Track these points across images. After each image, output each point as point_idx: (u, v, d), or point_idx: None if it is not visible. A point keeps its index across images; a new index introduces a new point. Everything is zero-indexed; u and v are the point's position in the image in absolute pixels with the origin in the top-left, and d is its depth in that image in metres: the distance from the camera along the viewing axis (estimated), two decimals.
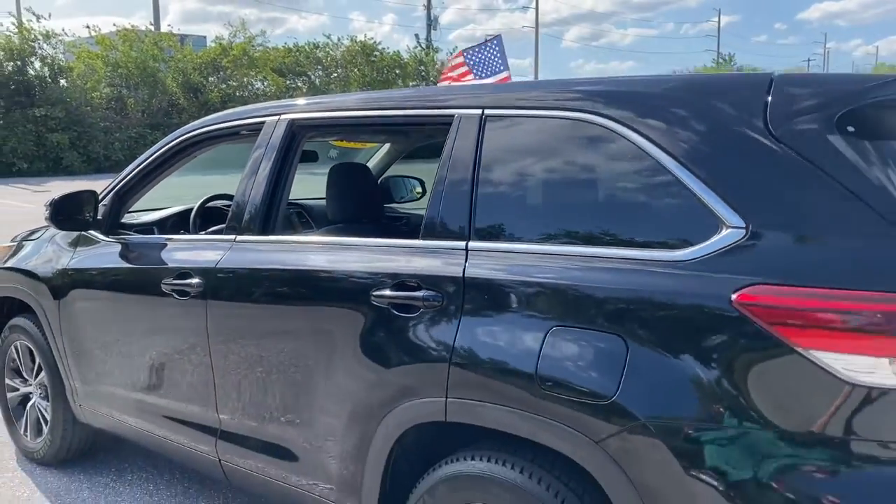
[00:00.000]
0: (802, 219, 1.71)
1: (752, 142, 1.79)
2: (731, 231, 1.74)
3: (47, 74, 30.82)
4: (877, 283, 1.58)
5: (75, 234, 3.46)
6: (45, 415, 3.75)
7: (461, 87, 2.85)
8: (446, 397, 2.07)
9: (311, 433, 2.50)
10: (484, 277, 2.07)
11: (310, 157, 3.79)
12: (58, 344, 3.50)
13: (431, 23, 49.51)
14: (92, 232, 3.40)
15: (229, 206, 3.02)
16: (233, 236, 2.80)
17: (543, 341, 1.91)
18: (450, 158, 2.27)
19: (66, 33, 31.90)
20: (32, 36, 30.44)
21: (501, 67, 7.13)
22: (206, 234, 3.35)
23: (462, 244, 2.16)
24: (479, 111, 2.25)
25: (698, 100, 1.91)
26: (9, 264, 3.83)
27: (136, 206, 3.66)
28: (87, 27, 33.55)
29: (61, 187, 16.09)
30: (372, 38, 42.27)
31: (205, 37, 43.97)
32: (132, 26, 33.99)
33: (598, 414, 1.79)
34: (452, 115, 2.32)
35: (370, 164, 4.25)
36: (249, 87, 36.23)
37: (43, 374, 3.70)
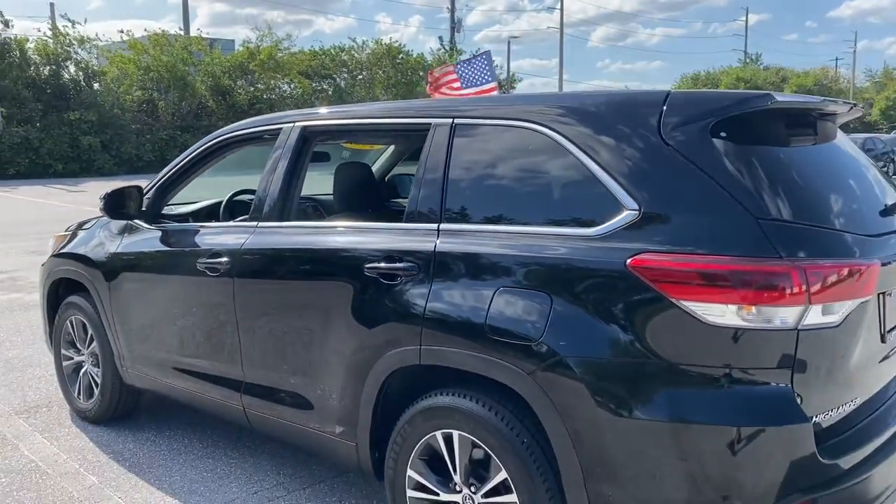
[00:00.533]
0: (680, 204, 2.25)
1: (647, 144, 2.33)
2: (628, 213, 2.29)
3: (81, 79, 31.80)
4: (727, 251, 2.12)
5: (123, 223, 4.08)
6: (96, 379, 4.36)
7: (437, 100, 3.40)
8: (420, 346, 2.64)
9: (320, 383, 3.06)
10: (450, 252, 2.63)
11: (323, 158, 4.36)
12: (108, 317, 4.11)
13: (455, 25, 50.02)
14: (137, 221, 4.02)
15: (252, 199, 3.61)
16: (255, 223, 3.40)
17: (492, 299, 2.47)
18: (427, 158, 2.84)
19: (99, 38, 32.84)
20: (67, 41, 31.43)
21: (489, 79, 7.71)
22: (234, 222, 3.93)
23: (435, 226, 2.73)
24: (451, 120, 2.83)
25: (612, 112, 2.47)
26: (66, 250, 4.47)
27: (173, 200, 4.28)
28: (121, 31, 34.60)
29: (96, 188, 17.07)
30: (397, 41, 42.88)
31: (233, 40, 44.99)
32: (162, 31, 34.85)
33: (529, 353, 2.35)
34: (429, 124, 2.89)
35: (378, 164, 4.83)
36: (276, 89, 37.02)
37: (94, 344, 4.32)
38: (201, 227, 3.78)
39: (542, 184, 2.57)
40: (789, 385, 2.13)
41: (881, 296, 2.42)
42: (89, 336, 4.36)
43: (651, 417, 2.18)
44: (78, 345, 4.49)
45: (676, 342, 2.17)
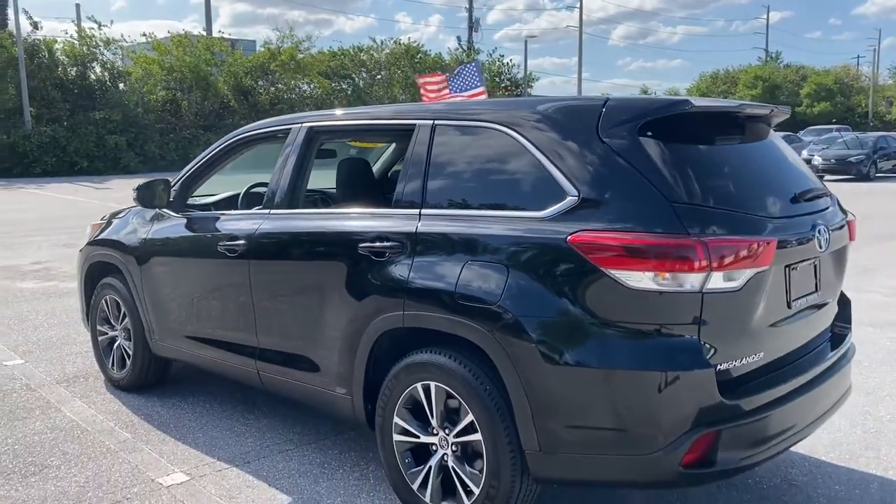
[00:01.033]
0: (610, 191, 2.72)
1: (587, 143, 2.82)
2: (570, 199, 2.77)
3: (107, 79, 32.64)
4: (645, 229, 2.60)
5: (153, 211, 4.61)
6: (128, 351, 4.90)
7: (422, 104, 3.88)
8: (403, 311, 3.13)
9: (324, 347, 3.56)
10: (429, 232, 3.13)
11: (329, 155, 4.86)
12: (139, 295, 4.65)
13: (472, 25, 50.49)
14: (165, 210, 4.55)
15: (266, 190, 4.12)
16: (268, 210, 3.91)
17: (461, 271, 2.96)
18: (412, 153, 3.35)
19: (124, 39, 33.64)
20: (94, 42, 32.27)
21: (477, 84, 8.23)
22: (249, 210, 4.44)
23: (417, 211, 3.22)
24: (432, 122, 3.32)
25: (562, 116, 2.95)
26: (102, 237, 5.02)
27: (198, 192, 4.81)
28: (144, 35, 35.40)
29: (121, 185, 17.78)
30: (415, 41, 43.46)
31: (254, 41, 45.81)
32: (186, 32, 35.60)
33: (490, 315, 2.83)
34: (414, 124, 3.39)
35: (381, 160, 5.33)
36: (297, 89, 37.70)
37: (126, 320, 4.86)
38: (222, 214, 4.30)
39: (503, 174, 3.06)
40: (696, 337, 2.61)
41: (787, 268, 2.89)
42: (122, 313, 4.90)
43: (586, 365, 2.66)
44: (112, 321, 5.03)
45: (605, 303, 2.65)
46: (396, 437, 3.26)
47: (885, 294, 7.83)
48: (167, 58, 34.00)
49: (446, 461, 3.10)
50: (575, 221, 2.73)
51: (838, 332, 3.52)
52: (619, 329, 2.64)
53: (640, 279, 2.59)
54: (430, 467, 3.14)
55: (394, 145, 5.31)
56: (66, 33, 33.18)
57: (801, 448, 3.99)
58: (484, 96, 7.72)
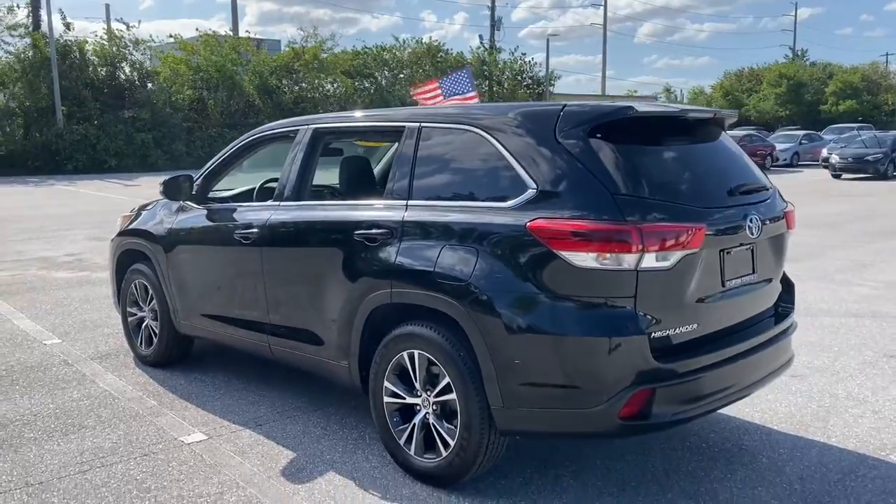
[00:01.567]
0: (563, 184, 3.18)
1: (545, 143, 3.27)
2: (530, 191, 3.23)
3: (136, 79, 33.46)
4: (590, 217, 3.05)
5: (177, 203, 5.13)
6: (155, 331, 5.43)
7: (410, 109, 4.33)
8: (391, 289, 3.61)
9: (325, 322, 4.05)
10: (413, 220, 3.60)
11: (336, 153, 5.34)
12: (165, 279, 5.17)
13: (495, 23, 50.85)
14: (189, 202, 5.07)
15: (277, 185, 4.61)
16: (278, 203, 4.41)
17: (439, 253, 3.43)
18: (401, 151, 3.82)
19: (152, 39, 34.45)
20: (123, 43, 33.11)
21: (469, 89, 8.71)
22: (262, 202, 4.94)
23: (404, 202, 3.70)
24: (418, 124, 3.80)
25: (526, 120, 3.41)
26: (131, 227, 5.56)
27: (218, 187, 5.32)
28: (171, 36, 36.19)
29: (149, 182, 18.43)
30: (437, 40, 43.90)
31: (279, 41, 46.48)
32: (213, 31, 36.33)
33: (461, 291, 3.30)
34: (404, 126, 3.87)
35: (385, 159, 5.80)
36: (320, 88, 38.32)
37: (153, 302, 5.39)
38: (238, 206, 4.81)
39: (476, 170, 3.53)
40: (633, 308, 3.06)
41: (722, 252, 3.34)
42: (149, 296, 5.43)
43: (539, 332, 3.12)
44: (140, 303, 5.57)
45: (556, 280, 3.11)
46: (386, 399, 3.73)
47: (873, 287, 8.18)
48: (194, 58, 34.75)
49: (428, 419, 3.57)
50: (533, 211, 3.19)
51: (781, 310, 3.95)
52: (568, 301, 3.10)
53: (585, 259, 3.04)
54: (415, 424, 3.62)
55: (396, 145, 5.79)
56: (96, 34, 34.12)
57: (756, 419, 4.44)
58: (475, 100, 8.18)
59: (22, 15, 32.26)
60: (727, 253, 3.37)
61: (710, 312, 3.35)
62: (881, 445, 4.07)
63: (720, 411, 4.45)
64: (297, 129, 4.48)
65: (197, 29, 37.87)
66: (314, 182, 4.58)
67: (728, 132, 3.87)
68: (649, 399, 3.08)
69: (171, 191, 4.99)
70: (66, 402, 4.77)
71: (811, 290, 7.97)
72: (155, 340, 5.43)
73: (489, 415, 3.30)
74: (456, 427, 3.42)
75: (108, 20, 36.07)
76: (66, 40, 31.72)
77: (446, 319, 3.41)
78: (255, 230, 4.42)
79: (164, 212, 5.27)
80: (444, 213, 3.51)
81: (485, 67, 46.25)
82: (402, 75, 42.94)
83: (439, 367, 3.46)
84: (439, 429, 3.52)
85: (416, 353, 3.56)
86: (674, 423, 3.24)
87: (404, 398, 3.66)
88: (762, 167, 29.90)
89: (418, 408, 3.62)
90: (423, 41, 43.38)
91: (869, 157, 25.40)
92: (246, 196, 5.34)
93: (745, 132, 34.25)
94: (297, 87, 37.08)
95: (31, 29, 32.08)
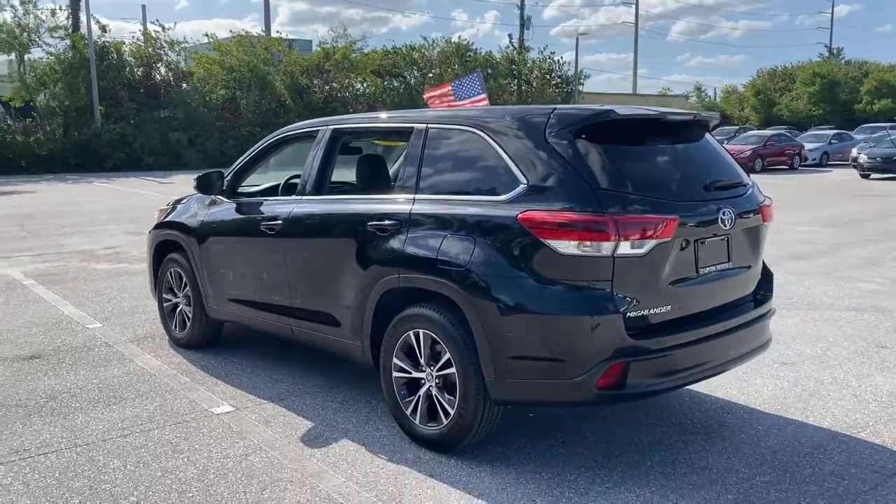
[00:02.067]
0: (550, 180, 3.54)
1: (536, 143, 3.64)
2: (521, 186, 3.61)
3: (171, 79, 34.30)
4: (573, 209, 3.42)
5: (210, 197, 5.58)
6: (188, 315, 5.89)
7: (419, 111, 4.70)
8: (399, 275, 4.01)
9: (341, 304, 4.46)
10: (420, 212, 3.99)
11: (355, 151, 5.74)
12: (198, 267, 5.62)
13: (524, 22, 51.10)
14: (220, 197, 5.52)
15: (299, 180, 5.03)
16: (300, 197, 4.83)
17: (441, 242, 3.81)
18: (409, 150, 4.22)
19: (187, 40, 35.29)
20: (159, 44, 33.96)
21: (479, 92, 9.09)
22: (286, 197, 5.36)
23: (412, 196, 4.09)
24: (425, 125, 4.19)
25: (519, 121, 3.78)
26: (167, 220, 6.03)
27: (248, 182, 5.76)
28: (205, 35, 36.99)
29: (183, 180, 19.05)
30: (465, 40, 44.24)
31: (310, 41, 47.17)
32: (245, 32, 37.05)
33: (460, 275, 3.68)
34: (413, 127, 4.27)
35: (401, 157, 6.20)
36: (350, 88, 38.89)
37: (188, 289, 5.85)
38: (265, 200, 5.25)
39: (476, 167, 3.91)
40: (610, 290, 3.42)
41: (697, 241, 3.69)
42: (183, 283, 5.89)
43: (527, 311, 3.50)
44: (175, 290, 6.03)
45: (543, 265, 3.48)
46: (395, 374, 4.13)
47: (880, 284, 8.40)
48: (227, 58, 35.49)
49: (431, 391, 3.96)
50: (524, 204, 3.56)
51: (760, 297, 4.27)
52: (553, 284, 3.47)
53: (568, 247, 3.41)
54: (419, 396, 4.01)
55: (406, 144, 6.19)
56: (133, 35, 35.02)
57: (741, 400, 4.77)
58: (485, 103, 8.56)
59: (62, 17, 33.26)
60: (701, 242, 3.72)
61: (684, 296, 3.69)
62: (854, 424, 4.37)
63: (707, 392, 4.82)
64: (318, 130, 4.90)
65: (231, 31, 38.67)
66: (335, 178, 5.00)
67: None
68: (624, 371, 3.44)
69: (204, 186, 5.44)
70: (107, 377, 5.24)
71: (818, 285, 8.23)
72: (188, 324, 5.88)
73: (484, 386, 3.68)
74: (455, 398, 3.80)
75: (144, 21, 37.03)
76: (103, 41, 32.63)
77: (447, 302, 3.79)
78: (279, 222, 4.84)
79: (198, 205, 5.73)
80: (447, 206, 3.90)
81: (513, 67, 46.51)
82: (431, 75, 43.36)
83: (441, 345, 3.84)
84: (441, 400, 3.90)
85: (420, 332, 3.95)
86: (648, 394, 3.60)
87: (410, 373, 4.05)
88: (790, 167, 30.12)
89: (423, 381, 4.00)
90: (452, 41, 43.71)
91: None
92: (272, 191, 5.76)
93: (773, 132, 34.18)
94: (327, 87, 37.67)
95: (70, 31, 33.03)
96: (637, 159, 3.72)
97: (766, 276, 4.38)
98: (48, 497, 3.54)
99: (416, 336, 3.98)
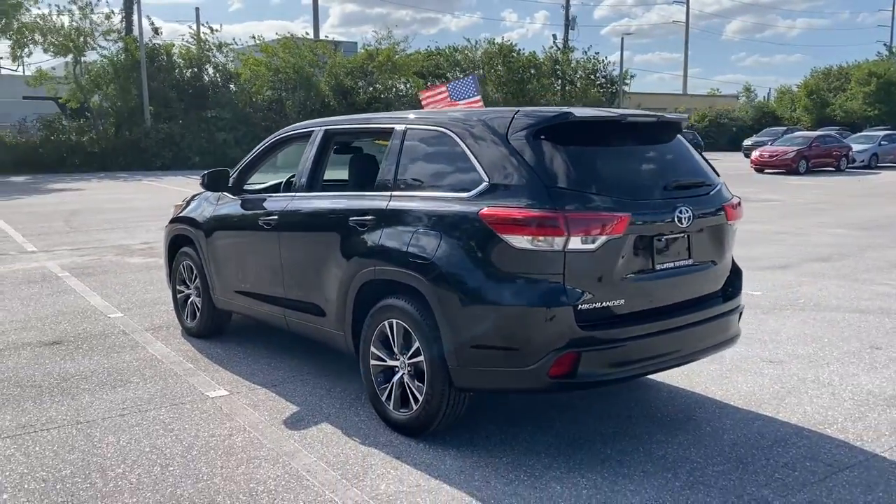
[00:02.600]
0: (509, 178, 3.73)
1: (498, 144, 3.83)
2: (484, 184, 3.80)
3: (219, 80, 35.16)
4: (527, 206, 3.59)
5: (217, 194, 5.89)
6: (198, 306, 6.21)
7: (400, 112, 4.93)
8: (375, 267, 4.24)
9: (326, 295, 4.70)
10: (395, 208, 4.21)
11: (357, 151, 5.97)
12: (206, 260, 5.94)
13: (569, 23, 50.95)
14: (226, 193, 5.82)
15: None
16: (294, 194, 5.09)
17: (411, 237, 4.03)
18: (389, 149, 4.44)
19: (235, 42, 36.13)
20: (207, 46, 34.86)
21: (474, 94, 9.27)
22: (282, 193, 5.63)
23: (389, 193, 4.31)
24: (404, 126, 4.41)
25: (484, 123, 3.97)
26: (181, 215, 6.36)
27: (255, 180, 6.06)
28: (253, 37, 37.87)
29: None
30: (509, 41, 44.29)
31: (356, 42, 47.77)
32: (291, 35, 37.76)
33: (427, 268, 3.89)
34: (393, 128, 4.49)
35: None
36: (393, 89, 39.33)
37: (197, 280, 6.17)
38: (264, 196, 5.53)
39: (446, 166, 4.12)
40: (561, 283, 3.59)
41: (653, 238, 3.83)
42: (194, 275, 6.21)
43: (485, 303, 3.69)
44: (187, 282, 6.36)
45: (500, 259, 3.67)
46: (372, 362, 4.35)
47: (893, 287, 8.33)
48: (274, 60, 36.22)
49: (403, 378, 4.18)
50: (485, 200, 3.75)
51: (729, 293, 4.38)
52: (509, 277, 3.65)
53: (522, 242, 3.59)
54: (393, 383, 4.23)
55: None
56: (183, 37, 36.03)
57: (717, 395, 4.87)
58: (479, 104, 8.73)
59: (116, 21, 34.37)
60: (658, 239, 3.86)
61: (639, 290, 3.83)
62: (823, 421, 4.45)
63: (685, 387, 4.95)
64: (312, 130, 5.16)
65: (277, 33, 39.55)
66: (336, 177, 5.27)
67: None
68: (576, 361, 3.61)
69: (210, 183, 5.75)
70: (118, 363, 5.58)
71: (830, 287, 8.22)
72: (198, 314, 6.20)
73: (448, 374, 3.88)
74: (423, 384, 4.01)
75: (197, 23, 37.94)
76: (154, 44, 33.64)
77: (416, 293, 4.00)
78: (275, 217, 5.11)
79: (206, 202, 6.04)
80: (419, 202, 4.11)
81: (557, 67, 46.43)
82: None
83: (412, 334, 4.05)
84: (411, 387, 4.12)
85: (394, 322, 4.17)
86: (599, 383, 3.77)
87: (386, 361, 4.27)
88: (837, 168, 29.50)
89: (397, 369, 4.22)
90: (496, 41, 43.85)
91: None
92: (275, 189, 6.04)
93: (820, 132, 33.53)
94: (370, 88, 38.14)
95: (123, 34, 34.12)
96: (595, 159, 3.88)
97: (736, 273, 4.49)
98: (44, 466, 3.85)
99: (391, 326, 4.20)
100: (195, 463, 3.89)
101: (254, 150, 5.81)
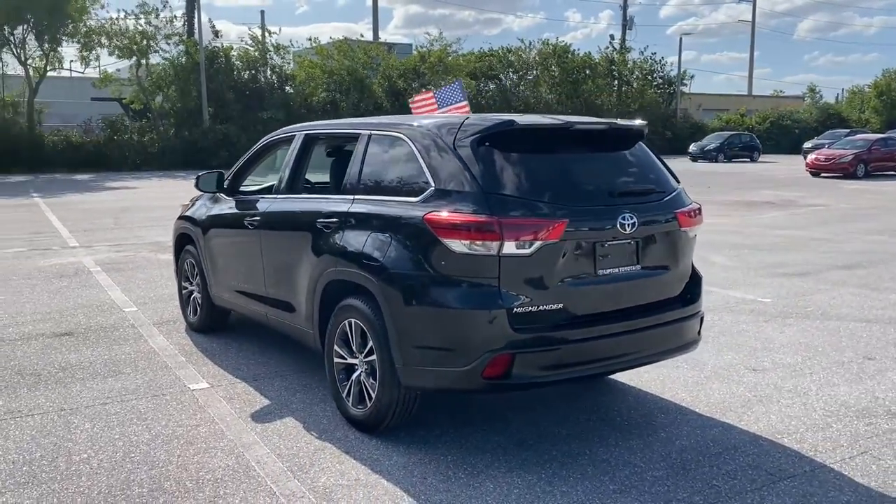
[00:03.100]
0: (452, 184, 3.83)
1: (445, 150, 3.94)
2: (430, 189, 3.92)
3: (275, 82, 35.98)
4: (465, 211, 3.69)
5: (216, 195, 6.14)
6: (199, 302, 6.47)
7: (365, 119, 5.06)
8: (336, 268, 4.39)
9: (298, 294, 4.88)
10: (355, 211, 4.36)
11: (347, 154, 6.14)
12: (204, 259, 6.19)
13: (626, 23, 50.38)
14: (221, 194, 6.07)
15: None
16: (275, 195, 5.30)
17: (366, 239, 4.17)
18: (355, 154, 4.60)
19: (292, 44, 36.92)
20: (265, 48, 35.72)
21: (461, 99, 9.31)
22: (266, 194, 5.83)
23: (352, 196, 4.47)
24: (368, 132, 4.56)
25: (435, 130, 4.09)
26: (185, 214, 6.64)
27: (251, 183, 6.29)
28: (309, 39, 38.60)
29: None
30: (563, 42, 44.06)
31: (411, 44, 48.14)
32: (345, 38, 38.40)
33: (377, 269, 4.02)
34: (360, 133, 4.64)
35: None
36: None
37: (198, 277, 6.43)
38: (252, 198, 5.75)
39: (400, 171, 4.25)
40: (496, 287, 3.67)
41: (595, 244, 3.88)
42: (195, 272, 6.48)
43: (425, 304, 3.80)
44: (190, 279, 6.63)
45: (440, 262, 3.78)
46: (335, 360, 4.51)
47: None
48: (328, 62, 36.90)
49: (361, 376, 4.32)
50: (430, 205, 3.87)
51: (688, 298, 4.39)
52: (447, 279, 3.76)
53: (460, 245, 3.69)
54: (352, 381, 4.38)
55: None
56: (242, 40, 37.01)
57: (684, 402, 4.87)
58: (466, 110, 8.80)
59: (178, 24, 35.53)
60: (601, 245, 3.91)
61: (580, 294, 3.89)
62: (783, 430, 4.42)
63: (654, 392, 4.97)
64: (294, 135, 5.36)
65: (331, 37, 40.22)
66: (321, 179, 5.46)
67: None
68: (510, 363, 3.69)
69: (204, 185, 6.00)
70: (118, 354, 5.88)
71: (845, 296, 8.04)
72: (199, 310, 6.47)
73: (396, 372, 4.00)
74: (377, 382, 4.14)
75: (262, 26, 38.86)
76: (213, 46, 34.63)
77: (369, 293, 4.14)
78: (257, 217, 5.32)
79: (205, 202, 6.30)
80: (376, 205, 4.25)
81: (613, 68, 45.98)
82: (528, 77, 43.49)
83: (367, 333, 4.19)
84: (367, 385, 4.26)
85: (353, 321, 4.31)
86: (534, 385, 3.84)
87: (346, 359, 4.42)
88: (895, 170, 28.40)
89: (356, 367, 4.37)
90: (550, 42, 43.66)
91: None
92: (268, 191, 6.26)
93: (883, 135, 32.41)
94: (422, 90, 38.45)
95: (184, 37, 35.21)
96: (538, 166, 3.94)
97: (695, 280, 4.49)
98: (18, 449, 4.12)
99: (350, 325, 4.35)
100: (156, 451, 4.11)
101: (246, 154, 6.04)
